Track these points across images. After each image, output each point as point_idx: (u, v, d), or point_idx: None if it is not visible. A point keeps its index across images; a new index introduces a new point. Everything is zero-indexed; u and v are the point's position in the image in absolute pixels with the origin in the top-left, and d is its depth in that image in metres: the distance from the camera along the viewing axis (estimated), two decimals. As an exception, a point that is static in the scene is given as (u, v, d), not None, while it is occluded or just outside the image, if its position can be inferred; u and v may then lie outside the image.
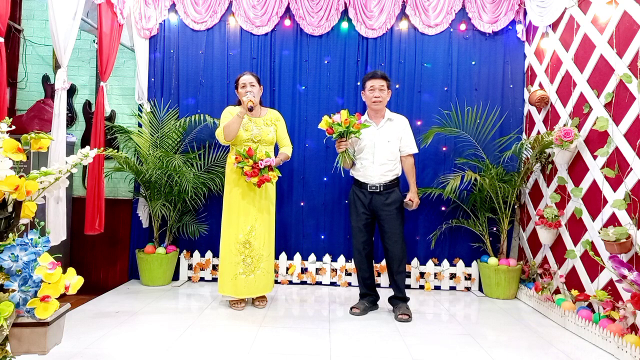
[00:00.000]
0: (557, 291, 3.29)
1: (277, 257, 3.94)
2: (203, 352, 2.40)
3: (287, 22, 4.03)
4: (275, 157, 3.24)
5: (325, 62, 4.06)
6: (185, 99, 4.07)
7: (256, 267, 3.21)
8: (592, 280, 2.91)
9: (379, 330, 2.84)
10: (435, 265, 3.98)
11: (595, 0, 3.00)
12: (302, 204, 4.06)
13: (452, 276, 3.97)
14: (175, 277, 3.99)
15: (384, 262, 3.92)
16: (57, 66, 2.98)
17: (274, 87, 4.07)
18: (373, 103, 3.16)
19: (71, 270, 1.70)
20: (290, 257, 4.03)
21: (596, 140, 2.94)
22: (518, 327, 2.98)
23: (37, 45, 4.21)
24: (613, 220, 2.71)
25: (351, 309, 3.20)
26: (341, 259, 4.00)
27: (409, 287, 3.81)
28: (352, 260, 3.95)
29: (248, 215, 3.21)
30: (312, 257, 4.02)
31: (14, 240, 1.63)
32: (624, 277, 2.35)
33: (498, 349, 2.55)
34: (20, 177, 1.65)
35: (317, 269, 4.01)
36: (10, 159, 1.68)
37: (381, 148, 3.15)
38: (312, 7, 3.99)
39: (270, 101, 4.02)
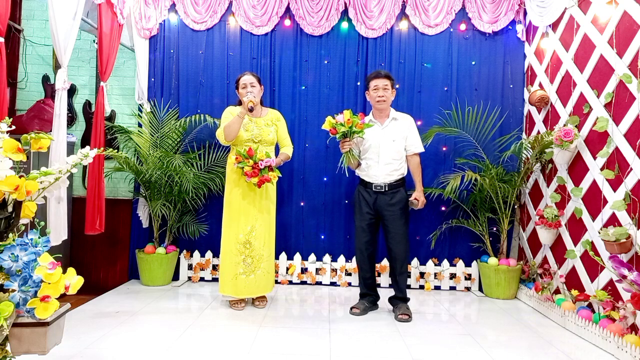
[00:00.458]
0: (557, 291, 3.29)
1: (277, 257, 3.94)
2: (203, 352, 2.40)
3: (287, 22, 4.03)
4: (276, 157, 3.24)
5: (325, 62, 4.06)
6: (185, 99, 4.06)
7: (256, 267, 3.21)
8: (592, 280, 2.91)
9: (379, 330, 2.84)
10: (435, 265, 3.98)
11: (595, 0, 3.00)
12: (302, 204, 4.06)
13: (452, 276, 3.97)
14: (175, 277, 3.99)
15: (384, 262, 3.92)
16: (57, 66, 2.98)
17: (274, 87, 4.07)
18: (377, 102, 3.16)
19: (71, 270, 1.70)
20: (290, 257, 4.03)
21: (596, 140, 2.94)
22: (518, 327, 2.98)
23: (37, 45, 4.21)
24: (613, 220, 2.71)
25: (351, 309, 3.20)
26: (341, 259, 4.00)
27: (409, 287, 3.80)
28: (352, 260, 3.97)
29: (248, 215, 3.21)
30: (312, 257, 4.02)
31: (14, 240, 1.63)
32: (624, 277, 2.35)
33: (498, 349, 2.55)
34: (20, 177, 1.65)
35: (317, 269, 4.01)
36: (10, 159, 1.68)
37: (386, 147, 3.14)
38: (312, 7, 3.99)
39: (270, 101, 4.02)
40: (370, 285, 3.31)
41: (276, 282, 3.93)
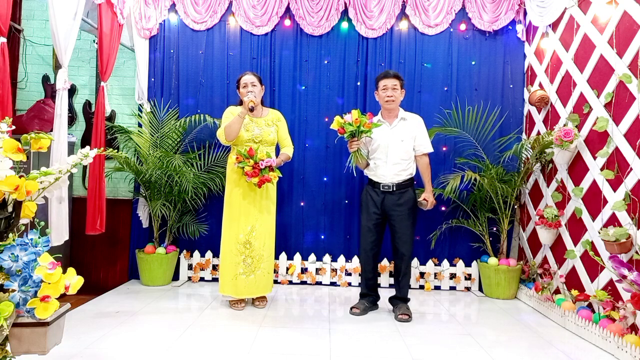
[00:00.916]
0: (557, 291, 3.29)
1: (277, 257, 3.94)
2: (203, 352, 2.40)
3: (287, 22, 4.03)
4: (276, 157, 3.24)
5: (325, 62, 4.06)
6: (185, 99, 4.07)
7: (256, 267, 3.21)
8: (592, 280, 2.91)
9: (379, 330, 2.84)
10: (435, 265, 3.98)
11: (595, 0, 3.00)
12: (302, 204, 4.06)
13: (452, 276, 3.97)
14: (175, 277, 3.99)
15: (384, 262, 3.92)
16: (57, 66, 2.98)
17: (274, 87, 4.07)
18: (386, 102, 3.15)
19: (71, 270, 1.70)
20: (290, 257, 4.03)
21: (596, 140, 2.94)
22: (518, 327, 2.98)
23: (37, 45, 4.21)
24: (613, 220, 2.71)
25: (351, 309, 3.20)
26: (341, 259, 4.00)
27: (409, 287, 3.80)
28: (352, 260, 3.97)
29: (249, 215, 3.21)
30: (312, 257, 4.02)
31: (14, 240, 1.63)
32: (624, 277, 2.35)
33: (498, 349, 2.55)
34: (20, 177, 1.65)
35: (317, 269, 4.01)
36: (10, 159, 1.68)
37: (394, 147, 3.13)
38: (312, 7, 3.99)
39: (270, 101, 4.02)
40: (372, 286, 3.30)
41: (276, 282, 3.93)
